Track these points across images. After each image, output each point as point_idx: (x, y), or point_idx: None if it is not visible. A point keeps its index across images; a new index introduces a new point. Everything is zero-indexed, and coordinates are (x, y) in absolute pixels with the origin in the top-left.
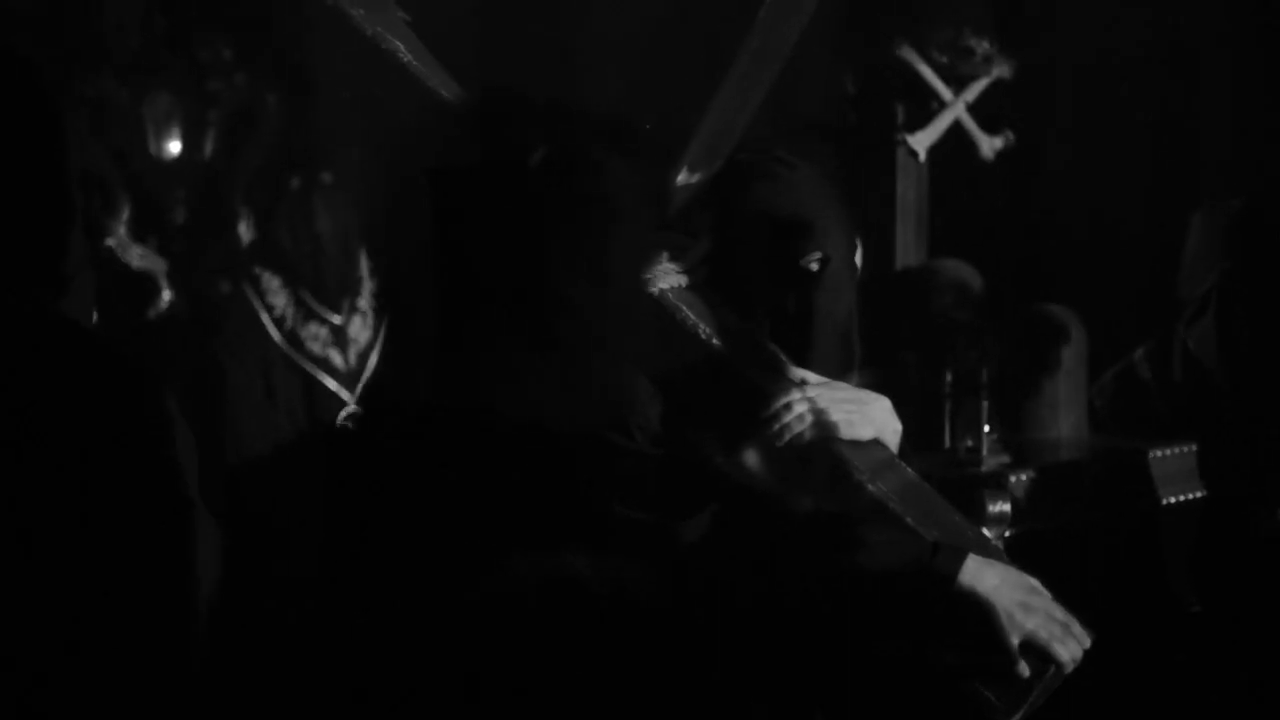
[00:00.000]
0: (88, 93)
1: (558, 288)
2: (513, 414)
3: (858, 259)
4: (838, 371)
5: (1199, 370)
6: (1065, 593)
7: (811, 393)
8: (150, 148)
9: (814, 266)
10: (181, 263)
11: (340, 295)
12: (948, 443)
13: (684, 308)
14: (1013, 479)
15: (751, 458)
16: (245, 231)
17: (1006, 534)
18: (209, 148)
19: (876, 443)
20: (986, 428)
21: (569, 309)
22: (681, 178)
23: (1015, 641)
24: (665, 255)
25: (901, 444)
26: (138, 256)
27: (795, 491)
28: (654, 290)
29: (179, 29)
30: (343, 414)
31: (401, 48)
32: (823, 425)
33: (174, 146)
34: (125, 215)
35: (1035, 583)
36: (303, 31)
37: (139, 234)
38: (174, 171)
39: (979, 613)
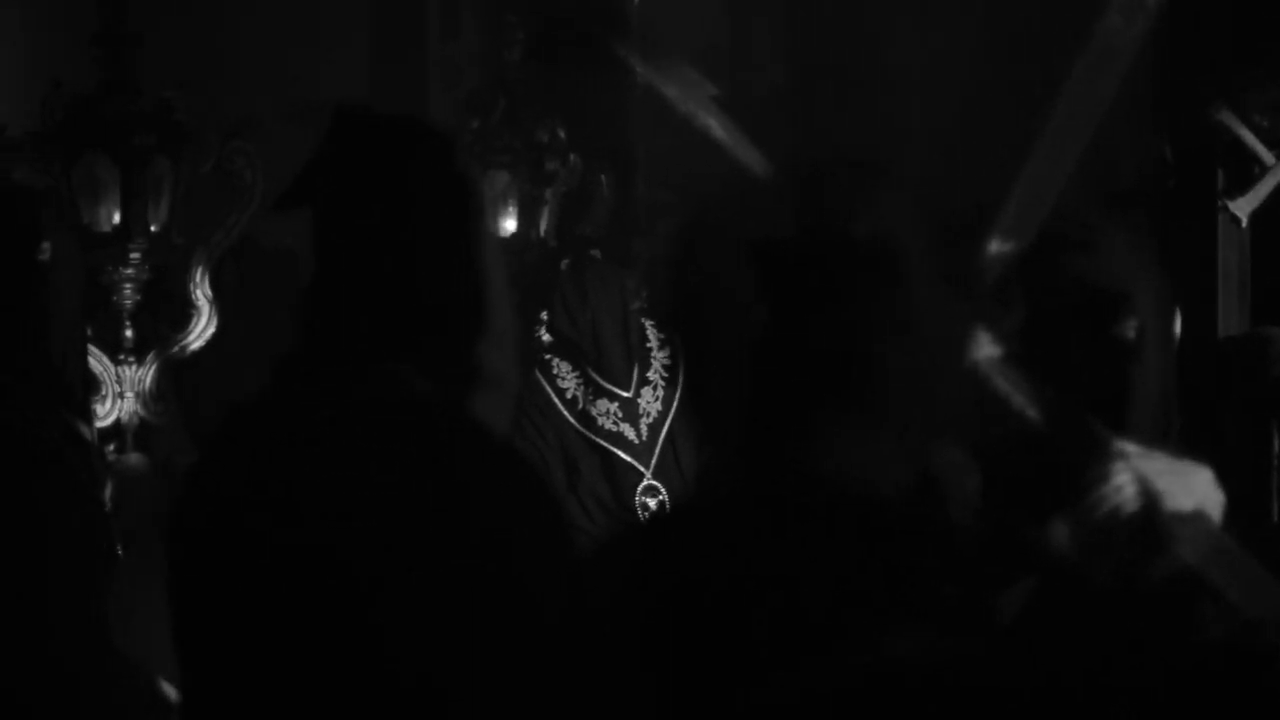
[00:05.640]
0: None
1: (878, 356)
2: (835, 489)
3: (1176, 327)
4: (1154, 441)
5: None
6: None
7: (1132, 463)
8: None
9: (1130, 335)
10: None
11: (626, 369)
12: (1276, 516)
13: (998, 379)
14: None
15: (1070, 530)
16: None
17: None
18: (543, 225)
19: (1198, 514)
20: None
21: (891, 377)
22: (994, 247)
23: None
24: (980, 326)
25: (1225, 516)
26: None
27: (1114, 565)
28: (970, 361)
29: (518, 110)
30: (640, 488)
31: (714, 125)
32: (1144, 496)
33: (510, 224)
34: None
35: None
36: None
37: None
38: (508, 249)
39: None
